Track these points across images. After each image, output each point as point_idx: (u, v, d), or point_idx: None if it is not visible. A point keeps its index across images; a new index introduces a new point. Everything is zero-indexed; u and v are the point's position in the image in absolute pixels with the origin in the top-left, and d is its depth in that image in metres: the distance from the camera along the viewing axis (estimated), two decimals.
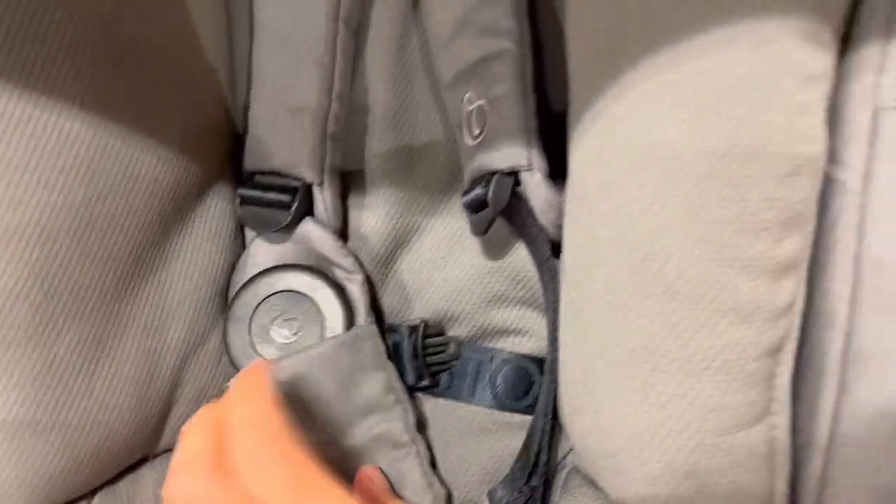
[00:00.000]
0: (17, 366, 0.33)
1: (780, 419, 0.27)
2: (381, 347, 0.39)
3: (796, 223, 0.26)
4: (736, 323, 0.26)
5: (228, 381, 0.36)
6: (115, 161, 0.34)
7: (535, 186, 0.35)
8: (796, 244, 0.26)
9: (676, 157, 0.27)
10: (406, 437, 0.38)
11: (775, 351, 0.27)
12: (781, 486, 0.27)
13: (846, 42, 0.26)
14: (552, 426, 0.36)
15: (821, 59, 0.25)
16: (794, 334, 0.27)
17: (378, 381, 0.38)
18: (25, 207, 0.32)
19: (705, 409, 0.27)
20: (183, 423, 0.32)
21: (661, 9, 0.27)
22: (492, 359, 0.40)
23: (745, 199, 0.25)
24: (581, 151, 0.31)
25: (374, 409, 0.38)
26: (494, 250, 0.39)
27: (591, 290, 0.31)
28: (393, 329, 0.41)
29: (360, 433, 0.38)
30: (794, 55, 0.25)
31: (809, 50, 0.25)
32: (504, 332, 0.40)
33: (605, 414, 0.30)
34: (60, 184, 0.33)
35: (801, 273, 0.26)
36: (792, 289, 0.26)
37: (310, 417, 0.37)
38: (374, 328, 0.39)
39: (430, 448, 0.40)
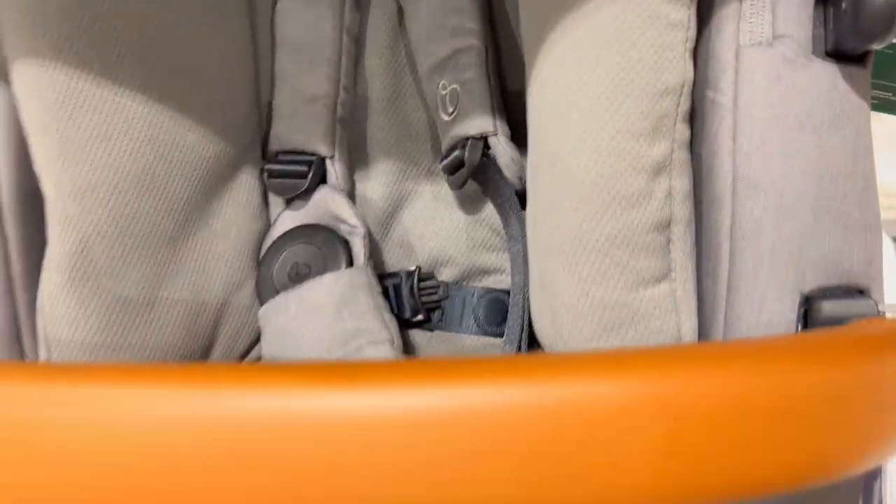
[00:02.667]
0: (95, 297, 0.41)
1: (679, 278, 0.34)
2: (374, 282, 0.46)
3: (662, 132, 0.32)
4: (628, 207, 0.33)
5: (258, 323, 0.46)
6: (168, 135, 0.44)
7: (501, 146, 0.44)
8: (664, 149, 0.33)
9: (580, 91, 0.34)
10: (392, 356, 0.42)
11: (664, 227, 0.33)
12: (688, 330, 0.35)
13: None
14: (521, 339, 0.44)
15: (679, 11, 0.33)
16: (680, 216, 0.33)
17: (369, 308, 0.44)
18: (102, 167, 0.41)
19: (616, 275, 0.33)
20: (223, 357, 0.40)
21: None
22: (473, 294, 0.48)
23: (627, 114, 0.32)
24: (531, 112, 0.41)
25: (364, 332, 0.43)
26: (472, 207, 0.49)
27: (537, 205, 0.39)
28: (392, 275, 0.49)
29: (346, 353, 0.42)
30: (657, 9, 0.32)
31: (670, 4, 0.32)
32: (484, 272, 0.49)
33: (552, 298, 0.38)
34: (127, 151, 0.42)
35: (674, 171, 0.33)
36: (664, 182, 0.33)
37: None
38: (368, 269, 0.46)
39: None
